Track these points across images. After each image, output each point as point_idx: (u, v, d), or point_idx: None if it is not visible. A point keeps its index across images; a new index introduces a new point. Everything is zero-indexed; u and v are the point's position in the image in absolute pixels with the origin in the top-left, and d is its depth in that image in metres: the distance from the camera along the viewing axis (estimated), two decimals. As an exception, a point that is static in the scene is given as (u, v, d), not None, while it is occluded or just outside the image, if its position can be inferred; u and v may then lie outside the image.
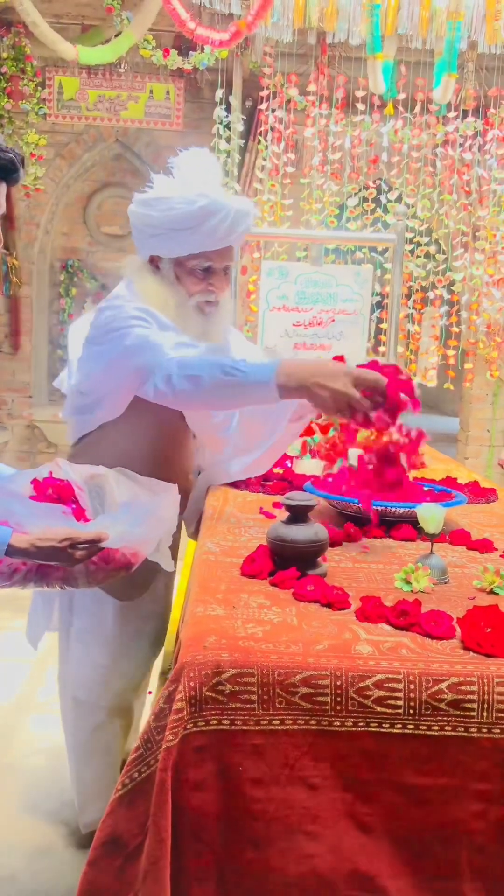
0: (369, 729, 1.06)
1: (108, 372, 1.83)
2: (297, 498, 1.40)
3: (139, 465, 1.69)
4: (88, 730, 2.06)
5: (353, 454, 2.03)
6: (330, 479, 1.90)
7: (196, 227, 1.81)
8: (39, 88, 4.89)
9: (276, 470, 2.29)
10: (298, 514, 1.40)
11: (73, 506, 1.59)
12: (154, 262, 1.91)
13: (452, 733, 1.05)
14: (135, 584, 1.86)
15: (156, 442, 1.89)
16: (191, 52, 4.68)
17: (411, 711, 1.05)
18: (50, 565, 1.40)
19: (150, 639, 2.09)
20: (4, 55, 4.74)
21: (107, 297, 1.95)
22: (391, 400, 1.56)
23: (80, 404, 1.95)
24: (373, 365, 1.62)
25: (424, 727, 1.06)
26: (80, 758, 2.10)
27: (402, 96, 4.64)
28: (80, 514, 1.54)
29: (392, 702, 1.05)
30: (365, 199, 4.80)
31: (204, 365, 1.66)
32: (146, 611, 2.04)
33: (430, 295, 4.93)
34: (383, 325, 4.84)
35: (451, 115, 4.73)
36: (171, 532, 1.61)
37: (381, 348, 4.75)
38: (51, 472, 1.59)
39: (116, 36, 4.43)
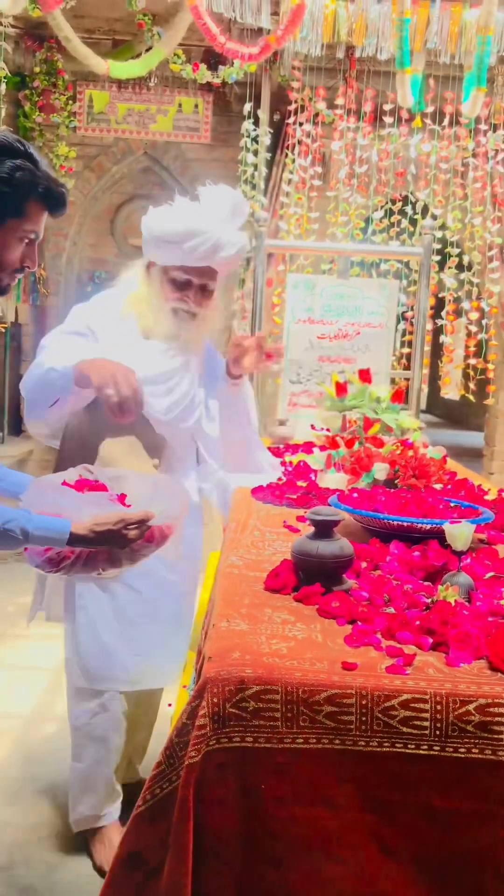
0: (395, 749, 1.04)
1: None
2: (324, 513, 1.39)
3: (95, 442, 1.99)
4: (86, 716, 2.14)
5: (380, 468, 2.02)
6: (355, 494, 1.89)
7: (179, 243, 2.08)
8: (70, 102, 4.96)
9: (299, 483, 2.29)
10: (324, 529, 1.39)
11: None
12: (150, 266, 2.21)
13: (480, 756, 1.03)
14: None
15: (105, 423, 2.07)
16: (220, 67, 4.72)
17: (438, 733, 1.03)
18: (95, 551, 1.50)
19: (155, 625, 2.13)
20: (37, 69, 4.81)
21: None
22: None
23: None
24: None
25: (451, 749, 1.04)
26: (76, 747, 2.18)
27: (430, 109, 4.64)
28: (122, 499, 1.66)
29: (418, 722, 1.03)
30: (391, 212, 4.80)
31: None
32: (151, 596, 2.13)
33: (466, 306, 4.89)
34: (406, 338, 4.82)
35: (482, 127, 4.72)
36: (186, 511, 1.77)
37: (403, 361, 4.72)
38: (80, 476, 1.71)
39: (147, 51, 4.48)
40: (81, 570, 1.54)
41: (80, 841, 2.22)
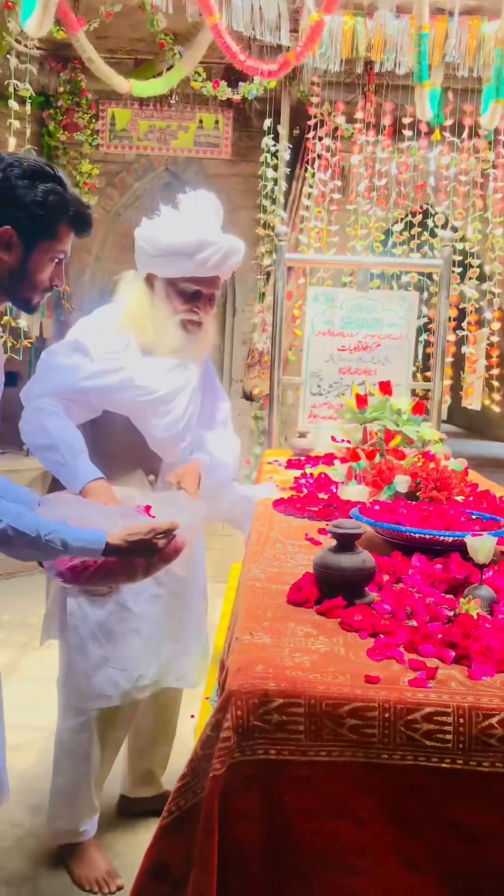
0: (418, 763, 1.04)
1: None
2: (345, 525, 1.39)
3: (99, 461, 1.96)
4: (68, 731, 2.17)
5: (401, 481, 2.02)
6: (376, 507, 1.89)
7: (190, 254, 2.06)
8: (93, 120, 5.03)
9: (321, 495, 2.29)
10: (346, 542, 1.39)
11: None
12: (150, 279, 2.16)
13: (504, 770, 1.03)
14: None
15: (107, 442, 2.08)
16: (240, 83, 4.77)
17: (461, 746, 1.04)
18: (115, 564, 1.55)
19: (143, 640, 2.12)
20: (61, 89, 4.90)
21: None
22: None
23: None
24: None
25: (474, 763, 1.04)
26: (57, 762, 2.20)
27: (449, 122, 4.66)
28: (147, 510, 1.70)
29: (441, 736, 1.04)
30: (412, 225, 4.81)
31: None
32: (140, 611, 2.11)
33: (488, 316, 4.88)
34: (429, 350, 4.81)
35: (502, 139, 4.73)
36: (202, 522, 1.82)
37: (427, 373, 4.72)
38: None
39: (168, 69, 4.54)
40: (100, 582, 1.59)
41: (56, 852, 2.23)
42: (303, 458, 3.03)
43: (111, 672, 2.09)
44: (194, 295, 2.12)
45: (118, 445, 2.10)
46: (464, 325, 4.92)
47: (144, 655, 2.13)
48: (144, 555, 1.56)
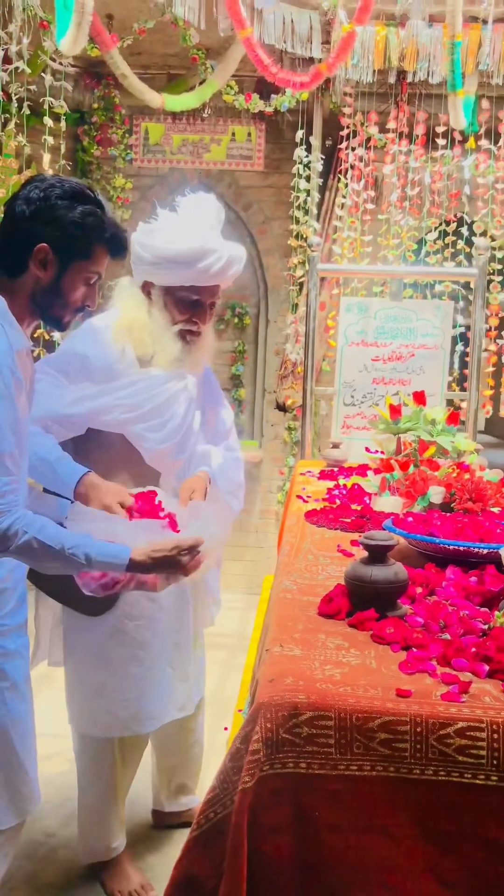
0: (451, 778, 1.02)
1: None
2: (377, 537, 1.38)
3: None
4: (88, 757, 2.14)
5: (435, 492, 2.00)
6: (410, 518, 1.87)
7: (191, 263, 1.98)
8: (127, 135, 5.10)
9: (354, 506, 2.28)
10: (378, 554, 1.38)
11: (165, 517, 1.78)
12: (146, 287, 2.08)
13: (540, 788, 1.01)
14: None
15: (100, 460, 2.00)
16: (272, 96, 4.79)
17: (495, 762, 1.01)
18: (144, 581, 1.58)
19: (143, 668, 2.06)
20: (95, 105, 4.97)
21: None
22: None
23: None
24: None
25: (509, 780, 1.01)
26: (81, 786, 2.18)
27: (484, 130, 4.62)
28: (173, 525, 1.71)
29: (475, 751, 1.02)
30: (446, 233, 4.77)
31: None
32: (140, 637, 2.05)
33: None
34: (468, 359, 4.75)
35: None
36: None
37: (464, 382, 4.66)
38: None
39: (201, 83, 4.58)
40: (131, 588, 1.62)
41: (89, 865, 2.23)
42: (336, 469, 3.01)
43: (109, 702, 2.04)
44: (193, 304, 2.04)
45: (113, 463, 2.02)
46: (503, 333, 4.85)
47: (145, 686, 2.06)
48: (168, 571, 1.58)
